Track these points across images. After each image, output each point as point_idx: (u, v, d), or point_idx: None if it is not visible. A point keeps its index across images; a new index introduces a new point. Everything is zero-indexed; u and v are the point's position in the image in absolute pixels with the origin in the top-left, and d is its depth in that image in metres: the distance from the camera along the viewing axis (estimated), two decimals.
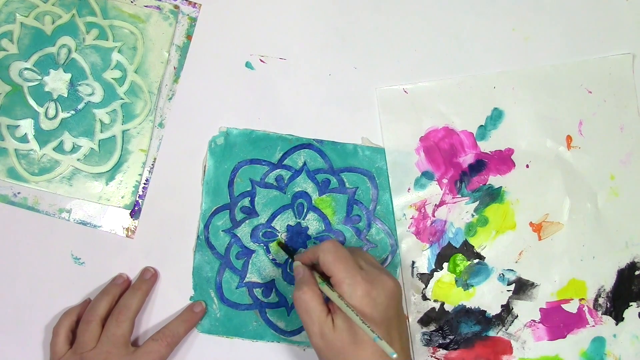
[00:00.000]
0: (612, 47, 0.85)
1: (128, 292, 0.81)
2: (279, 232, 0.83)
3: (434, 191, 0.84)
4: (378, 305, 0.69)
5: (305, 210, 0.84)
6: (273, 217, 0.83)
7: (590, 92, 0.85)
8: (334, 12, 0.85)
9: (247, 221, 0.83)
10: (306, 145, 0.84)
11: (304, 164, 0.84)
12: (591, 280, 0.85)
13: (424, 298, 0.84)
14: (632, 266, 0.85)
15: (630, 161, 0.85)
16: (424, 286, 0.84)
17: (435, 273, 0.84)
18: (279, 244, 0.83)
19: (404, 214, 0.84)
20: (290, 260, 0.83)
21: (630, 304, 0.85)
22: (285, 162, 0.84)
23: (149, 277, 0.82)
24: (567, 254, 0.84)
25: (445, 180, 0.84)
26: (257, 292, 0.83)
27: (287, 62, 0.85)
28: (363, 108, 0.84)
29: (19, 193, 0.83)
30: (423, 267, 0.84)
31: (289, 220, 0.83)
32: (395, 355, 0.64)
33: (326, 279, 0.73)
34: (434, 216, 0.84)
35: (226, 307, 0.83)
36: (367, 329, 0.66)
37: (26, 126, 0.82)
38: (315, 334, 0.70)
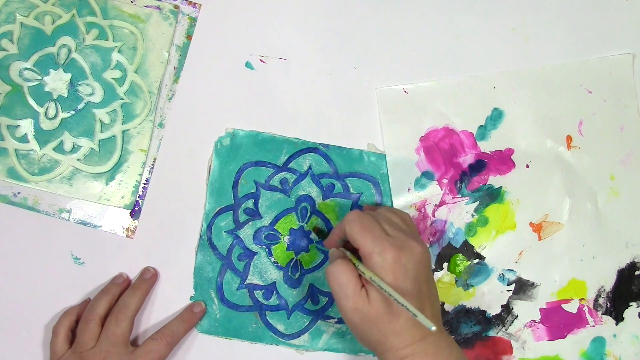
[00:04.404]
0: (612, 47, 0.85)
1: (128, 291, 0.81)
2: (281, 235, 0.83)
3: (434, 191, 0.84)
4: (409, 271, 0.68)
5: (308, 214, 0.84)
6: (276, 219, 0.83)
7: (590, 92, 0.85)
8: (334, 12, 0.85)
9: (250, 223, 0.83)
10: (312, 149, 0.84)
11: (309, 167, 0.84)
12: (591, 280, 0.85)
13: None
14: (632, 266, 0.85)
15: (630, 161, 0.85)
16: None
17: (435, 273, 0.84)
18: (315, 229, 0.83)
19: None
20: (293, 261, 0.83)
21: (630, 304, 0.85)
22: (291, 165, 0.84)
23: (148, 277, 0.82)
24: (567, 254, 0.84)
25: (445, 181, 0.84)
26: (258, 294, 0.83)
27: (287, 62, 0.85)
28: (363, 108, 0.84)
29: (19, 193, 0.83)
30: None
31: (292, 223, 0.84)
32: (434, 328, 0.63)
33: (356, 254, 0.71)
34: (434, 216, 0.84)
35: (226, 308, 0.83)
36: (406, 303, 0.65)
37: (26, 126, 0.83)
38: (349, 308, 0.69)
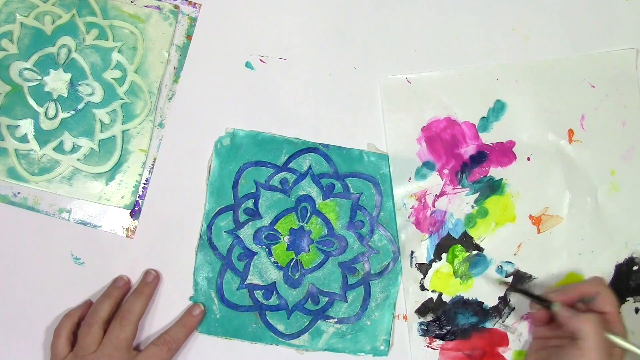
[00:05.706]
0: (615, 42, 0.86)
1: (131, 296, 0.81)
2: (281, 235, 0.83)
3: (434, 181, 0.84)
4: None
5: (308, 214, 0.84)
6: (276, 219, 0.84)
7: (593, 87, 0.85)
8: (334, 12, 0.86)
9: (250, 223, 0.83)
10: (312, 149, 0.84)
11: (309, 167, 0.84)
12: (589, 274, 0.85)
13: (422, 288, 0.84)
14: (630, 261, 0.85)
15: (631, 157, 0.85)
16: (422, 276, 0.84)
17: (433, 263, 0.84)
18: (514, 287, 0.85)
19: (404, 204, 0.84)
20: (293, 261, 0.83)
21: (627, 299, 0.86)
22: (291, 165, 0.84)
23: (151, 280, 0.82)
24: (565, 247, 0.85)
25: (446, 171, 0.85)
26: (258, 294, 0.83)
27: (287, 62, 0.85)
28: (363, 108, 0.85)
29: (19, 193, 0.82)
30: (422, 257, 0.84)
31: (292, 223, 0.84)
32: None
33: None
34: (434, 206, 0.84)
35: (226, 308, 0.83)
36: None
37: (26, 126, 0.82)
38: None
